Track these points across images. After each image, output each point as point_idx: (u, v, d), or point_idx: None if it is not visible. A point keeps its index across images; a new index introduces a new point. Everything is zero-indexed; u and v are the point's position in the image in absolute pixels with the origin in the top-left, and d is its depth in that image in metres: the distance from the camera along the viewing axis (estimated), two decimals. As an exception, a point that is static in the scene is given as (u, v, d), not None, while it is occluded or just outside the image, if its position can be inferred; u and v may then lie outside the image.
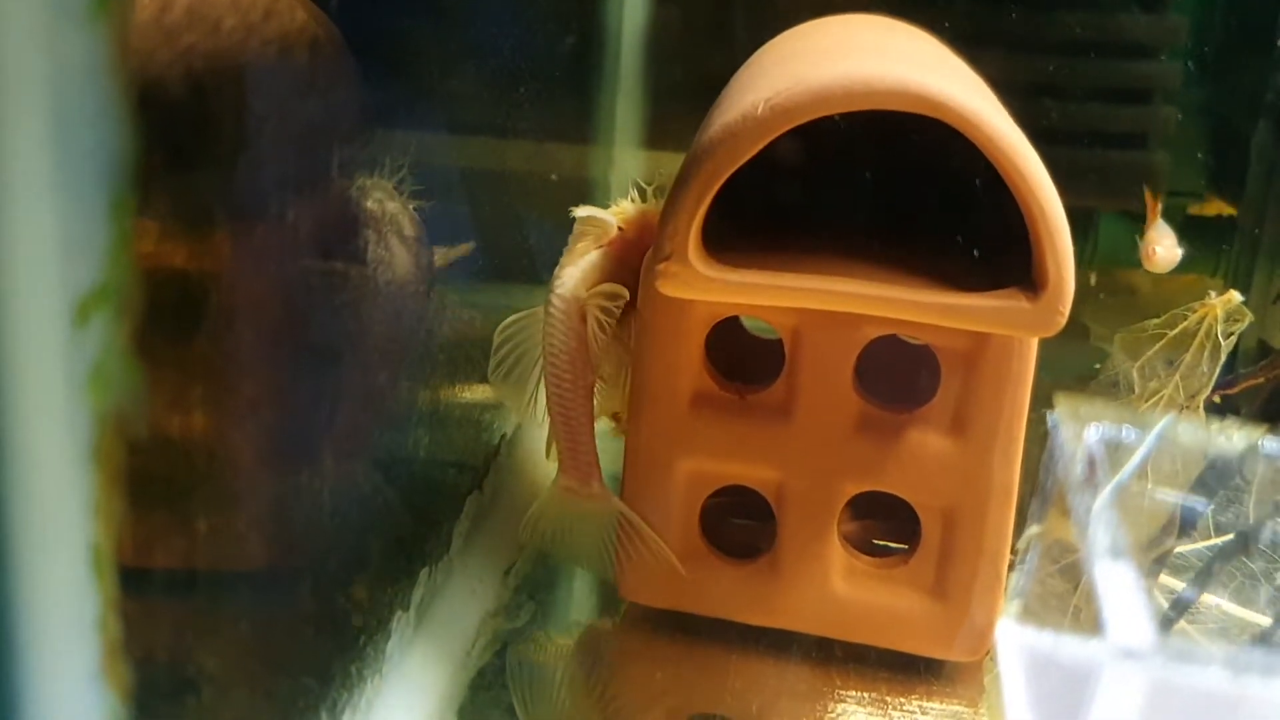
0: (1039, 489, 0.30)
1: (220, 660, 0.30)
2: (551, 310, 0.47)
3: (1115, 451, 0.27)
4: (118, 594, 0.21)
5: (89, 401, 0.20)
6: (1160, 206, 0.70)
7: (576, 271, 0.47)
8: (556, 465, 0.49)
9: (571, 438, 0.48)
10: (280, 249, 0.28)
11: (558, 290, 0.47)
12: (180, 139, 0.22)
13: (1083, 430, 0.28)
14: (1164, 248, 0.65)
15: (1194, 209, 0.82)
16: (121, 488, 0.21)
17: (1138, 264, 0.71)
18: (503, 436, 0.60)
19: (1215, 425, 0.31)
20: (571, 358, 0.46)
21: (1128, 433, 0.28)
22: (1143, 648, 0.23)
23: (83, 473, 0.20)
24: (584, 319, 0.47)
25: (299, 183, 0.30)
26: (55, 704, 0.21)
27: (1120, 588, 0.25)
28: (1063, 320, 0.42)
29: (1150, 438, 0.31)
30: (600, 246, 0.48)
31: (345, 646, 0.40)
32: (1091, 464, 0.27)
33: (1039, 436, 0.38)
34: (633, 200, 0.50)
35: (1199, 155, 0.80)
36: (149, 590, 0.25)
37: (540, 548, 0.51)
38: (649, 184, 0.50)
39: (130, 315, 0.20)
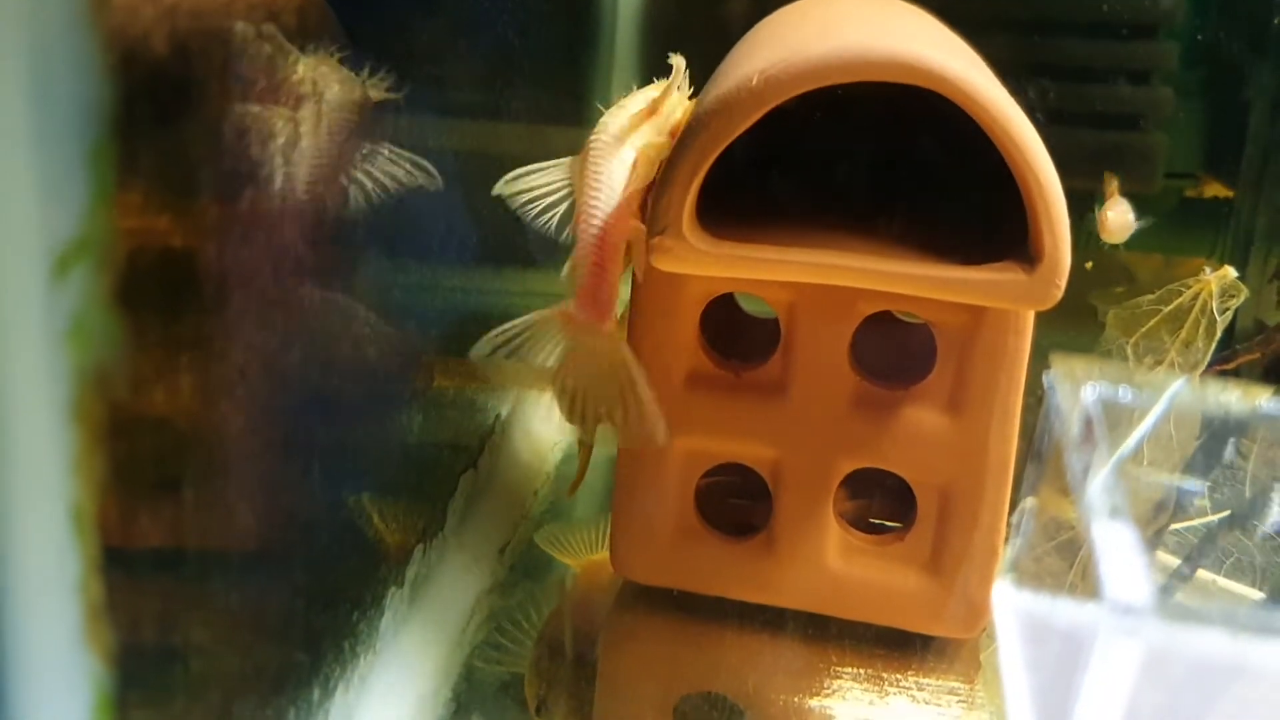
0: (1034, 451, 0.30)
1: (209, 635, 0.29)
2: (599, 144, 0.44)
3: (1113, 411, 0.27)
4: (99, 555, 0.21)
5: (68, 356, 0.20)
6: (1116, 185, 0.70)
7: (624, 119, 0.45)
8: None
9: (597, 272, 0.44)
10: (259, 219, 0.28)
11: (614, 125, 0.44)
12: (160, 95, 0.22)
13: (1079, 390, 0.27)
14: (1116, 213, 0.65)
15: (1191, 191, 0.82)
16: (103, 445, 0.20)
17: (1140, 246, 0.70)
18: (498, 416, 0.60)
19: (1215, 388, 0.31)
20: (613, 193, 0.43)
21: (1124, 393, 0.28)
22: (1140, 610, 0.23)
23: (62, 430, 0.20)
24: (631, 165, 0.44)
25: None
26: (37, 668, 0.21)
27: (1117, 552, 0.24)
28: (1059, 293, 0.41)
29: (1161, 403, 0.30)
30: (650, 111, 0.45)
31: (338, 622, 0.39)
32: (1088, 424, 0.26)
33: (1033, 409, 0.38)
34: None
35: (1196, 136, 0.80)
36: (133, 563, 0.25)
37: (497, 365, 0.45)
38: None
39: (111, 268, 0.20)
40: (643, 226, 0.44)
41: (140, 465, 0.23)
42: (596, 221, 0.43)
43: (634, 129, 0.44)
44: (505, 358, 0.45)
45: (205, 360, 0.25)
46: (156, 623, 0.25)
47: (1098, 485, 0.25)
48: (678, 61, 0.47)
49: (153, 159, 0.21)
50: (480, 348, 0.45)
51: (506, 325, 0.45)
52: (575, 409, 0.45)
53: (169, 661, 0.27)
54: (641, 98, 0.46)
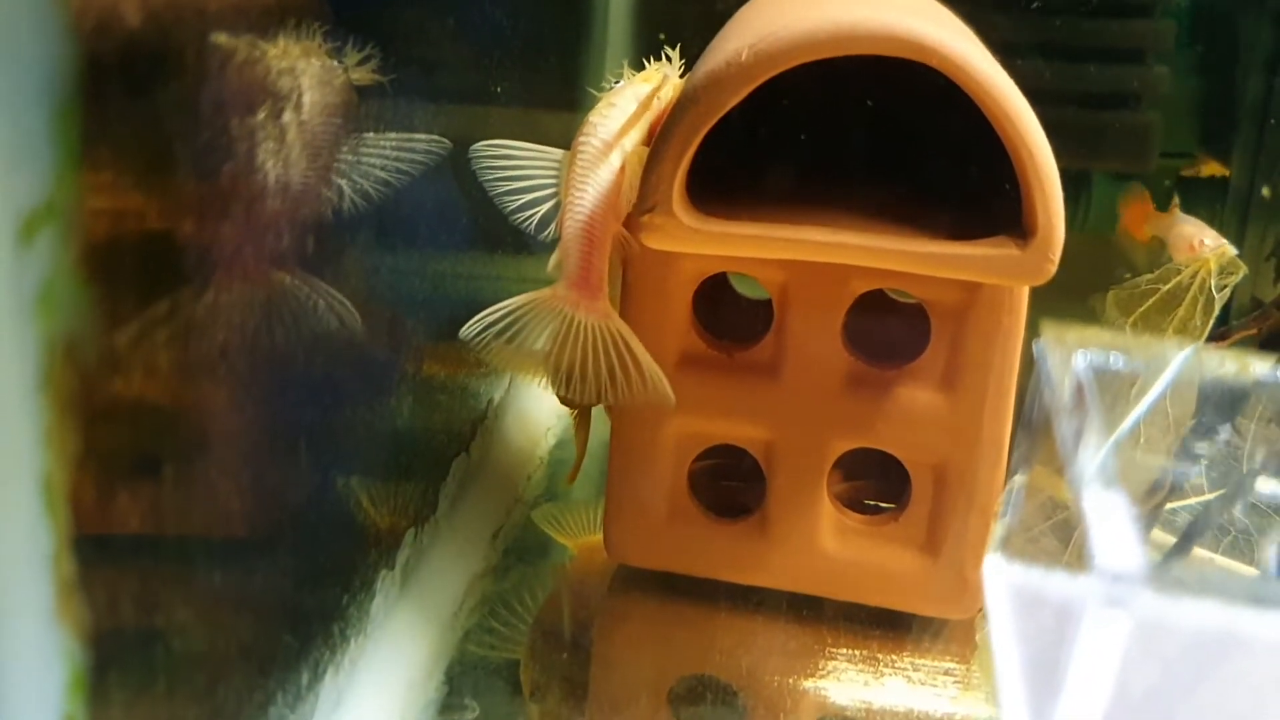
0: (1024, 420, 0.30)
1: (192, 616, 0.29)
2: (587, 149, 0.44)
3: (1104, 379, 0.27)
4: (72, 529, 0.20)
5: (37, 325, 0.19)
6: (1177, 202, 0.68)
7: (613, 125, 0.44)
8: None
9: (586, 253, 0.43)
10: (234, 186, 0.27)
11: (602, 128, 0.44)
12: (128, 57, 0.21)
13: (1070, 358, 0.27)
14: (1211, 238, 0.62)
15: (1189, 170, 0.81)
16: (74, 417, 0.20)
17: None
18: (490, 400, 0.59)
19: (1213, 360, 0.30)
20: (599, 194, 0.43)
21: (1116, 359, 0.27)
22: (1130, 578, 0.22)
23: (32, 401, 0.20)
24: (619, 170, 0.43)
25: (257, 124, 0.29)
26: (8, 646, 0.20)
27: (1108, 522, 0.24)
28: (1053, 267, 0.41)
29: (1162, 380, 0.30)
30: (640, 113, 0.45)
31: (326, 605, 0.39)
32: (1079, 392, 0.26)
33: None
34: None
35: (1192, 115, 0.79)
36: (108, 540, 0.24)
37: (494, 350, 0.45)
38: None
39: (79, 234, 0.19)
40: (626, 232, 0.44)
41: (114, 439, 0.22)
42: (583, 214, 0.43)
43: (623, 134, 0.44)
44: (495, 339, 0.45)
45: (181, 333, 0.25)
46: (135, 602, 0.25)
47: (1090, 455, 0.25)
48: (671, 56, 0.47)
49: (121, 122, 0.21)
50: (470, 329, 0.45)
51: (496, 306, 0.44)
52: (572, 386, 0.45)
53: (149, 642, 0.26)
54: (631, 94, 0.45)
